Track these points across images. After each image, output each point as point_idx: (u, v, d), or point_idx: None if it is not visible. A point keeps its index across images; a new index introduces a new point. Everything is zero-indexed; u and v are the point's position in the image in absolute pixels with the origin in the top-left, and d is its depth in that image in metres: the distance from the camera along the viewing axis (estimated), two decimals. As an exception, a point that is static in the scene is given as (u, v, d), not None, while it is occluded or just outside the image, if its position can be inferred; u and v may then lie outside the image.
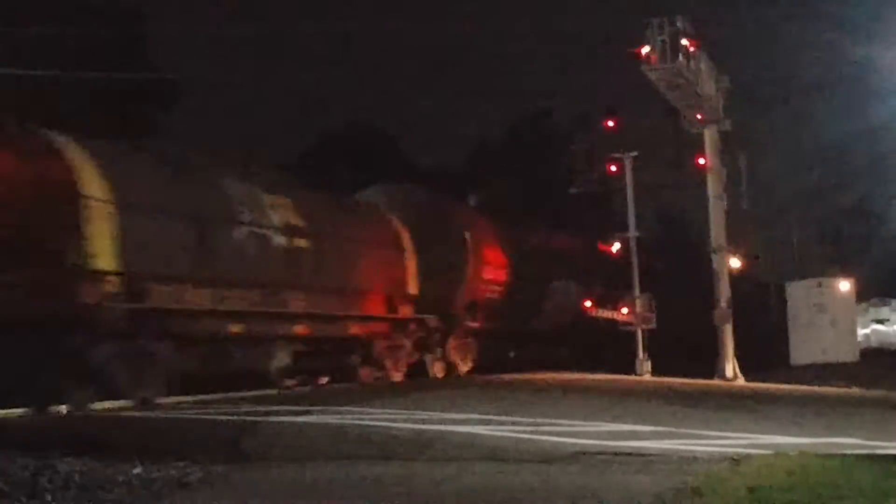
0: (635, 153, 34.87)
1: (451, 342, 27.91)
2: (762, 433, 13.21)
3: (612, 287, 35.13)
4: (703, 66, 31.12)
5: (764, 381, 30.76)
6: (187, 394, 18.11)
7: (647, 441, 11.83)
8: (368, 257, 23.99)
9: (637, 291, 34.18)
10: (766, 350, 40.02)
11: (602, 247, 36.14)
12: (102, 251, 16.55)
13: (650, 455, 10.64)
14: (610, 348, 34.08)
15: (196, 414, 14.55)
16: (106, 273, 16.64)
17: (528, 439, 11.80)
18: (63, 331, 15.88)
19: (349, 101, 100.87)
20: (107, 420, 14.44)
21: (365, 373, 23.87)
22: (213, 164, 21.29)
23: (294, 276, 21.25)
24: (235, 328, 19.45)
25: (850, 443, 12.30)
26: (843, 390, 27.63)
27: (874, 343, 51.82)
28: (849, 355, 41.15)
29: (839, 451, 10.91)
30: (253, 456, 11.08)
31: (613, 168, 34.92)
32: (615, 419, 14.25)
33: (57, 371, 15.81)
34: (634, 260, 34.11)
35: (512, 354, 31.21)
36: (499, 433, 12.31)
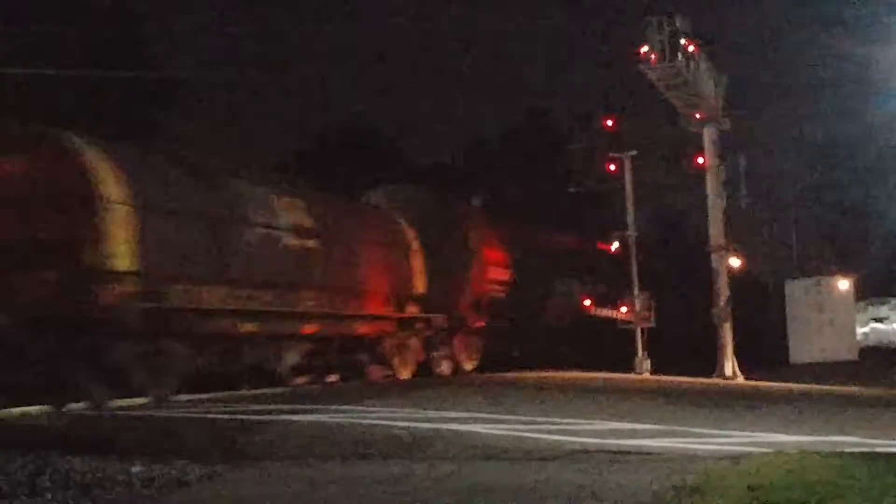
0: (634, 152, 34.91)
1: (457, 341, 28.25)
2: (762, 431, 13.23)
3: (614, 286, 35.20)
4: (702, 65, 31.15)
5: (763, 379, 30.80)
6: (192, 392, 18.29)
7: (646, 439, 11.85)
8: (376, 257, 24.35)
9: (636, 290, 34.23)
10: (765, 349, 40.05)
11: (601, 246, 36.28)
12: (120, 252, 16.86)
13: (650, 453, 10.66)
14: (611, 347, 34.12)
15: (196, 413, 14.55)
16: (124, 273, 16.95)
17: (528, 437, 11.81)
18: (82, 330, 16.16)
19: (348, 101, 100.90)
20: (107, 419, 14.45)
21: (373, 371, 24.17)
22: (225, 166, 21.61)
23: (305, 275, 21.56)
24: (248, 327, 19.78)
25: (850, 441, 12.31)
26: (842, 388, 27.64)
27: (873, 341, 51.74)
28: (848, 354, 41.16)
29: (838, 450, 10.92)
30: (253, 455, 11.10)
31: (612, 167, 34.97)
32: (615, 418, 14.27)
33: (76, 369, 16.13)
34: (633, 259, 34.19)
35: (516, 353, 31.33)
36: (499, 432, 12.32)
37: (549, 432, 12.23)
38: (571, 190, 38.62)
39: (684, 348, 33.53)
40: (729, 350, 31.68)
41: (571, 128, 47.43)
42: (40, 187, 16.63)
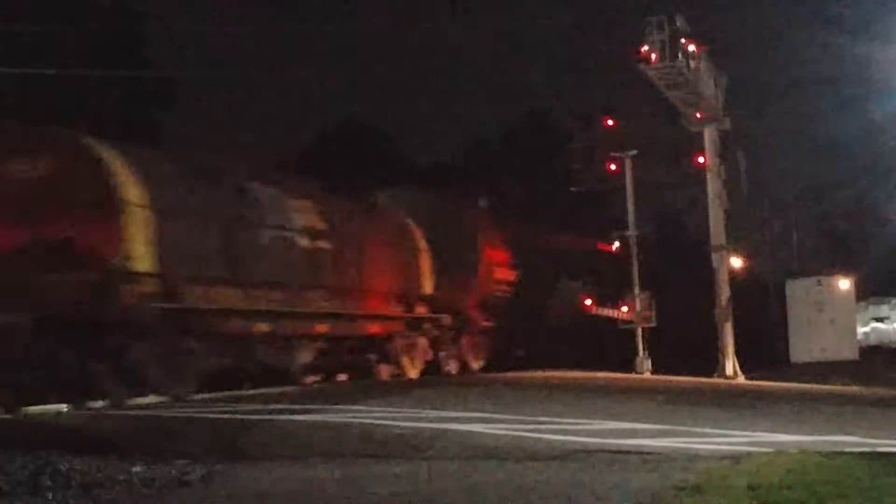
0: (634, 152, 34.92)
1: (464, 340, 28.66)
2: (762, 431, 13.21)
3: (616, 286, 35.24)
4: (702, 65, 31.14)
5: (764, 379, 30.79)
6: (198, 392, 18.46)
7: (647, 439, 11.84)
8: (386, 258, 24.73)
9: (637, 290, 34.25)
10: (765, 348, 40.07)
11: (602, 246, 36.36)
12: (140, 254, 17.30)
13: (651, 453, 10.65)
14: (612, 346, 34.16)
15: (196, 412, 14.55)
16: (143, 275, 17.39)
17: (529, 437, 11.80)
18: (104, 330, 16.61)
19: (348, 101, 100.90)
20: (107, 419, 14.45)
21: (382, 370, 24.50)
22: (239, 169, 22.03)
23: (316, 276, 21.92)
24: (262, 327, 20.15)
25: (850, 440, 12.30)
26: (842, 388, 27.63)
27: (874, 341, 51.76)
28: (848, 353, 41.15)
29: (839, 449, 10.91)
30: (254, 454, 11.10)
31: (613, 167, 34.99)
32: (615, 417, 14.25)
33: (98, 368, 16.56)
34: (634, 258, 34.21)
35: (520, 352, 31.50)
36: (500, 431, 12.31)
37: (550, 432, 12.22)
38: (572, 190, 38.62)
39: (685, 348, 33.53)
40: (729, 349, 31.67)
41: (571, 128, 47.43)
42: (64, 191, 17.07)
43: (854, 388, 27.89)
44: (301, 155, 52.61)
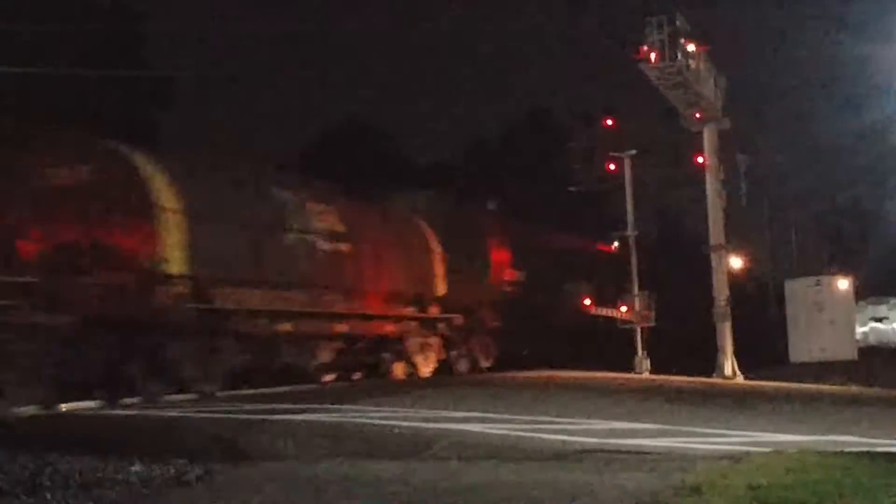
0: (634, 152, 34.92)
1: (475, 339, 29.34)
2: (761, 431, 13.22)
3: (617, 286, 35.32)
4: (702, 65, 31.13)
5: (763, 379, 30.79)
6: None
7: (646, 439, 11.84)
8: (401, 260, 25.44)
9: (636, 289, 34.27)
10: (764, 348, 40.05)
11: (602, 246, 36.46)
12: (174, 257, 18.08)
13: (650, 453, 10.65)
14: (613, 346, 34.21)
15: (196, 412, 14.55)
16: (177, 276, 18.16)
17: (528, 437, 11.81)
18: (140, 330, 17.28)
19: (348, 100, 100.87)
20: (107, 419, 14.45)
21: (397, 369, 25.21)
22: (264, 174, 22.89)
23: (336, 278, 22.67)
24: (286, 327, 20.97)
25: (849, 440, 12.30)
26: (841, 388, 27.65)
27: (872, 341, 51.77)
28: (847, 353, 41.13)
29: (838, 449, 10.92)
30: (252, 454, 11.09)
31: (612, 167, 34.99)
32: (614, 417, 14.26)
33: (133, 366, 17.26)
34: (633, 258, 34.25)
35: (526, 352, 31.79)
36: (498, 431, 12.32)
37: (549, 432, 12.23)
38: (571, 189, 38.65)
39: (684, 348, 33.54)
40: (728, 349, 31.66)
41: (571, 128, 47.47)
42: (103, 197, 17.85)
43: (853, 388, 27.92)
44: (301, 155, 52.61)
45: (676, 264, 40.40)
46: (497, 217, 33.78)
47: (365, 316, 23.77)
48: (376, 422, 12.96)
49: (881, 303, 55.30)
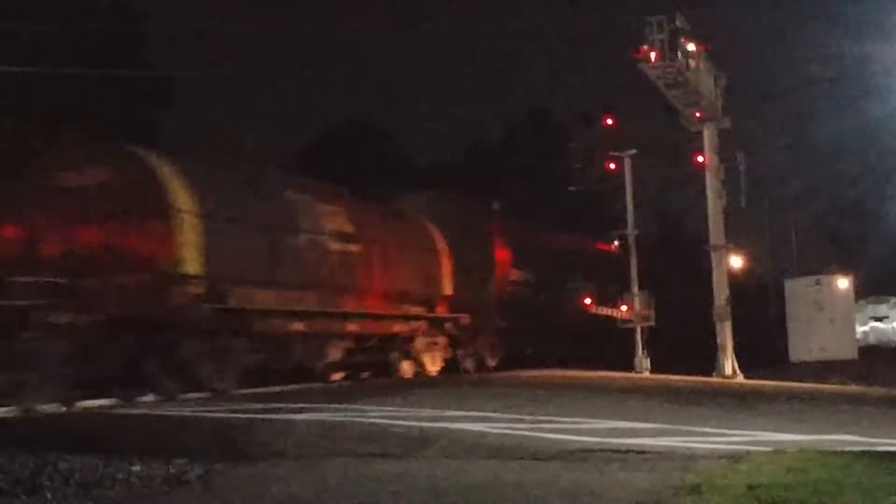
0: (634, 151, 34.92)
1: (481, 339, 29.80)
2: (761, 430, 13.21)
3: (618, 286, 35.39)
4: (702, 64, 31.13)
5: (763, 378, 30.79)
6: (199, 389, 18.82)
7: (646, 438, 11.84)
8: (409, 260, 25.85)
9: (636, 289, 34.29)
10: (765, 347, 40.07)
11: (602, 246, 36.54)
12: (190, 257, 18.48)
13: (650, 452, 10.65)
14: (613, 345, 34.26)
15: (196, 412, 14.55)
16: (193, 277, 18.57)
17: (528, 437, 11.81)
18: (157, 329, 17.63)
19: (348, 100, 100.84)
20: (106, 418, 14.45)
21: (405, 368, 25.61)
22: (276, 176, 23.11)
23: (346, 278, 23.12)
24: (298, 326, 21.39)
25: (850, 440, 12.30)
26: (841, 387, 27.65)
27: (872, 340, 51.83)
28: (847, 352, 41.15)
29: (838, 448, 10.92)
30: (252, 454, 11.08)
31: (612, 166, 35.00)
32: (615, 416, 14.25)
33: (151, 365, 17.62)
34: (633, 258, 34.28)
35: (530, 351, 32.01)
36: (499, 431, 12.32)
37: (549, 431, 12.23)
38: (571, 189, 38.66)
39: (684, 347, 33.56)
40: (728, 349, 31.66)
41: (571, 127, 47.45)
42: (120, 199, 18.23)
43: (853, 388, 27.91)
44: (301, 155, 52.61)
45: (676, 264, 40.41)
46: (501, 217, 34.14)
47: (374, 315, 24.21)
48: (377, 421, 12.96)
49: (881, 302, 55.35)
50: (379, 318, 24.47)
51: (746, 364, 32.27)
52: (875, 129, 46.76)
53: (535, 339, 32.79)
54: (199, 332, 18.50)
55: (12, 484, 9.25)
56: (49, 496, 8.85)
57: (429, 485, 8.93)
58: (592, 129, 37.69)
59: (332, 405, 14.95)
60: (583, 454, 10.61)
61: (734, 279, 33.54)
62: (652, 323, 34.25)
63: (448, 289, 27.50)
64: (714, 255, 32.34)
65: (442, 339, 27.42)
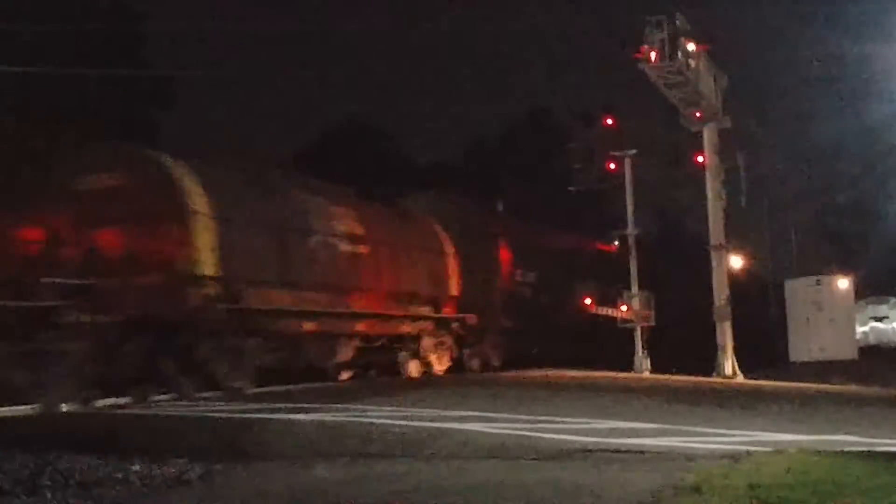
0: (634, 151, 34.89)
1: (487, 339, 30.08)
2: (761, 430, 13.21)
3: (618, 285, 35.44)
4: (702, 64, 31.10)
5: (763, 378, 30.78)
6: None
7: (646, 438, 11.84)
8: (417, 261, 26.20)
9: (636, 289, 34.29)
10: (765, 347, 40.06)
11: (602, 246, 36.60)
12: (206, 259, 18.89)
13: (650, 452, 10.65)
14: (614, 345, 34.30)
15: (196, 411, 14.56)
16: (208, 278, 18.93)
17: (529, 437, 11.81)
18: (174, 329, 17.99)
19: (348, 100, 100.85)
20: (106, 418, 14.46)
21: (412, 367, 25.92)
22: (288, 179, 23.63)
23: (356, 278, 23.49)
24: (309, 326, 21.80)
25: (849, 440, 12.30)
26: (841, 388, 27.63)
27: (872, 340, 51.79)
28: (847, 353, 41.12)
29: (838, 448, 10.92)
30: (253, 454, 11.09)
31: (613, 166, 34.98)
32: (615, 416, 14.25)
33: (168, 364, 17.93)
34: (633, 257, 34.29)
35: (534, 351, 32.17)
36: (499, 431, 12.32)
37: (549, 431, 12.22)
38: (571, 189, 38.64)
39: (684, 347, 33.55)
40: (728, 349, 31.64)
41: (571, 127, 47.41)
42: (139, 202, 18.61)
43: (853, 388, 27.89)
44: (301, 155, 52.57)
45: (676, 264, 40.37)
46: (506, 218, 34.61)
47: (382, 315, 24.53)
48: (377, 421, 12.96)
49: (881, 302, 55.30)
50: (387, 318, 24.80)
51: (746, 364, 32.25)
52: (875, 128, 46.75)
53: (540, 339, 32.99)
54: (215, 332, 18.87)
55: (12, 484, 9.26)
56: (49, 496, 8.85)
57: (429, 485, 8.93)
58: (592, 128, 37.61)
59: (333, 405, 14.95)
60: (583, 454, 10.62)
61: (734, 279, 33.52)
62: (652, 323, 34.25)
63: (454, 289, 27.77)
64: (714, 255, 32.32)
65: (448, 339, 27.71)
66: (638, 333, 33.93)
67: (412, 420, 13.06)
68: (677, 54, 28.96)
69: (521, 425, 12.85)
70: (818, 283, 42.75)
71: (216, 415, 14.01)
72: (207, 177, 19.71)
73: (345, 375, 23.80)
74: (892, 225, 56.46)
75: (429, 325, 26.78)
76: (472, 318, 28.33)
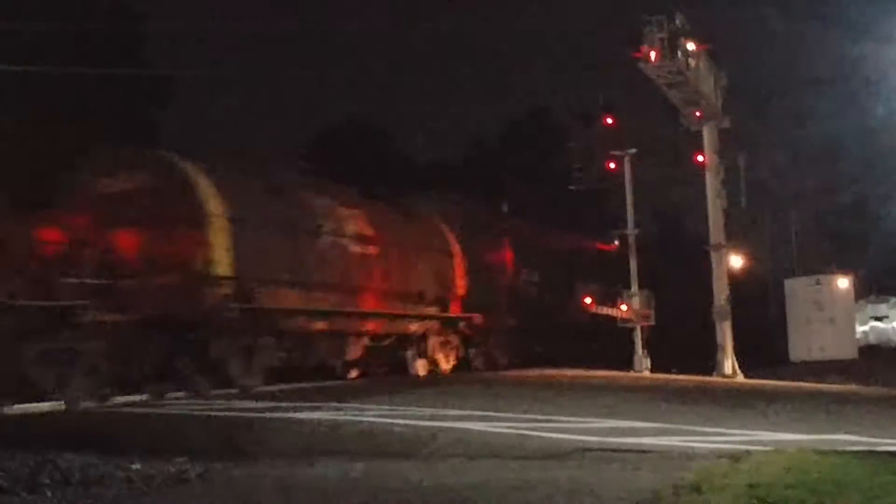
0: (634, 150, 34.88)
1: (493, 338, 30.38)
2: (761, 430, 13.21)
3: (623, 285, 35.48)
4: (702, 63, 31.11)
5: (763, 377, 30.78)
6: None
7: (646, 437, 11.84)
8: (425, 262, 26.53)
9: (636, 288, 34.30)
10: (765, 347, 40.04)
11: (602, 245, 36.65)
12: (221, 260, 19.27)
13: (650, 452, 10.65)
14: (620, 344, 34.34)
15: (196, 410, 14.56)
16: (223, 278, 19.31)
17: (529, 436, 11.81)
18: (190, 328, 18.35)
19: (348, 100, 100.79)
20: (105, 416, 14.46)
21: (419, 366, 26.24)
22: (299, 180, 24.03)
23: (365, 278, 23.80)
24: (320, 325, 22.17)
25: (849, 439, 12.30)
26: (841, 387, 27.63)
27: (872, 340, 51.75)
28: (847, 352, 41.13)
29: (838, 448, 10.92)
30: (252, 453, 11.10)
31: (612, 165, 34.96)
32: (614, 416, 14.25)
33: (184, 363, 18.33)
34: (633, 257, 34.29)
35: (538, 349, 32.33)
36: (499, 430, 12.32)
37: (549, 430, 12.22)
38: (571, 188, 38.64)
39: (684, 346, 33.56)
40: (728, 348, 31.65)
41: (571, 127, 47.31)
42: (157, 204, 18.97)
43: (853, 387, 27.90)
44: (301, 155, 52.55)
45: (676, 263, 40.37)
46: (510, 219, 34.78)
47: (390, 315, 24.84)
48: (377, 420, 12.97)
49: (881, 302, 55.26)
50: (395, 317, 25.12)
51: (746, 363, 32.26)
52: (875, 128, 46.70)
53: (544, 338, 33.22)
54: (229, 331, 19.24)
55: (13, 482, 9.26)
56: (49, 494, 8.85)
57: (429, 483, 8.93)
58: (592, 128, 37.57)
59: (333, 404, 14.95)
60: (583, 453, 10.62)
61: (734, 279, 33.53)
62: (652, 322, 34.26)
63: (461, 289, 28.08)
64: (714, 255, 32.33)
65: (455, 339, 28.08)
66: (638, 333, 33.93)
67: (412, 419, 13.06)
68: (677, 54, 28.97)
69: (520, 424, 12.85)
70: (818, 282, 42.74)
71: (216, 413, 14.01)
72: (222, 178, 20.14)
73: (353, 374, 24.08)
74: (891, 225, 56.39)
75: (436, 324, 27.09)
76: (478, 318, 28.59)
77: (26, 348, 16.59)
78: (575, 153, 37.44)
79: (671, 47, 28.78)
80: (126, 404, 16.46)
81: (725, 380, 29.86)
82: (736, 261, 34.50)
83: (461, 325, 28.27)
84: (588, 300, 35.06)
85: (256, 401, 15.90)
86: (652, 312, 34.44)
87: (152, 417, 14.15)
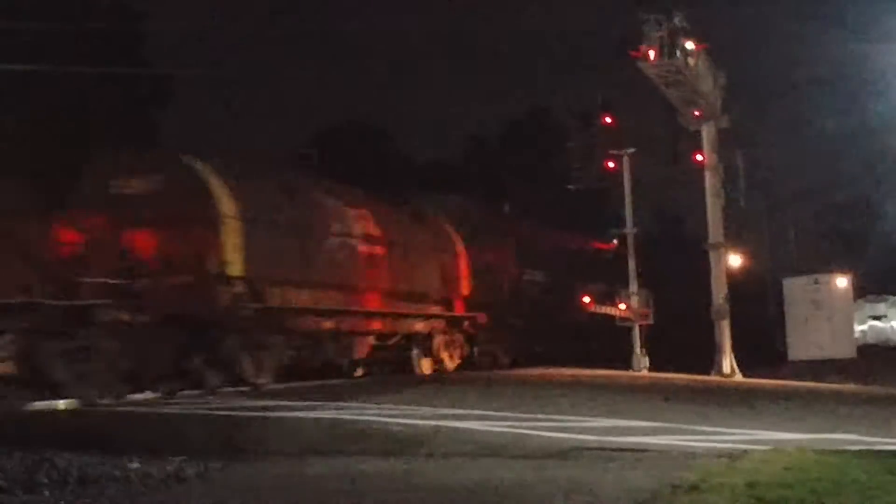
0: (633, 150, 34.87)
1: (497, 337, 30.66)
2: (760, 429, 13.21)
3: (622, 284, 35.53)
4: (701, 62, 31.07)
5: (761, 376, 30.79)
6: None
7: (644, 437, 11.84)
8: (430, 262, 26.82)
9: (635, 287, 34.30)
10: (763, 346, 40.04)
11: (601, 245, 36.72)
12: (233, 260, 19.50)
13: (648, 451, 10.66)
14: (619, 344, 34.36)
15: (194, 409, 14.56)
16: (235, 278, 19.56)
17: (526, 435, 11.81)
18: (205, 327, 18.77)
19: (348, 100, 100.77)
20: (104, 415, 14.45)
21: (424, 365, 26.53)
22: (308, 181, 24.20)
23: (372, 278, 24.09)
24: (328, 324, 22.39)
25: (848, 439, 12.30)
26: (840, 386, 27.64)
27: (871, 339, 51.79)
28: (846, 351, 41.10)
29: (837, 447, 10.93)
30: (250, 451, 11.10)
31: (611, 165, 34.95)
32: (613, 415, 14.25)
33: (197, 361, 18.57)
34: (632, 256, 34.30)
35: (540, 349, 32.71)
36: (497, 429, 12.32)
37: (548, 429, 12.22)
38: (570, 188, 38.63)
39: (683, 345, 33.56)
40: (727, 347, 31.65)
41: (570, 125, 47.27)
42: (172, 205, 19.16)
43: (851, 387, 27.90)
44: (301, 155, 52.50)
45: (675, 262, 40.36)
46: (513, 219, 35.12)
47: (397, 314, 25.10)
48: (375, 419, 12.96)
49: (880, 301, 55.30)
50: (401, 317, 25.37)
51: (745, 363, 32.25)
52: (874, 128, 46.71)
53: (545, 337, 33.44)
54: (242, 330, 19.53)
55: (10, 481, 9.26)
56: (47, 493, 8.85)
57: (427, 483, 8.94)
58: (591, 127, 37.56)
59: (331, 403, 14.95)
60: (581, 452, 10.62)
61: (733, 278, 33.52)
62: (650, 321, 34.27)
63: (465, 289, 28.32)
64: (713, 254, 32.32)
65: (460, 338, 28.32)
66: (636, 332, 33.94)
67: (410, 418, 13.06)
68: (676, 53, 28.93)
69: (519, 423, 12.85)
70: (817, 281, 42.71)
71: (214, 412, 14.01)
72: (234, 179, 20.35)
73: (359, 372, 24.38)
74: (891, 224, 56.45)
75: (441, 323, 27.37)
76: (482, 317, 28.86)
77: (47, 347, 16.86)
78: (574, 153, 37.42)
79: (670, 46, 28.75)
80: (133, 403, 16.60)
81: (724, 379, 29.87)
82: (734, 260, 34.48)
83: (466, 324, 28.52)
84: (587, 299, 35.09)
85: (257, 400, 15.90)
86: (650, 311, 34.47)
87: (151, 417, 14.14)
